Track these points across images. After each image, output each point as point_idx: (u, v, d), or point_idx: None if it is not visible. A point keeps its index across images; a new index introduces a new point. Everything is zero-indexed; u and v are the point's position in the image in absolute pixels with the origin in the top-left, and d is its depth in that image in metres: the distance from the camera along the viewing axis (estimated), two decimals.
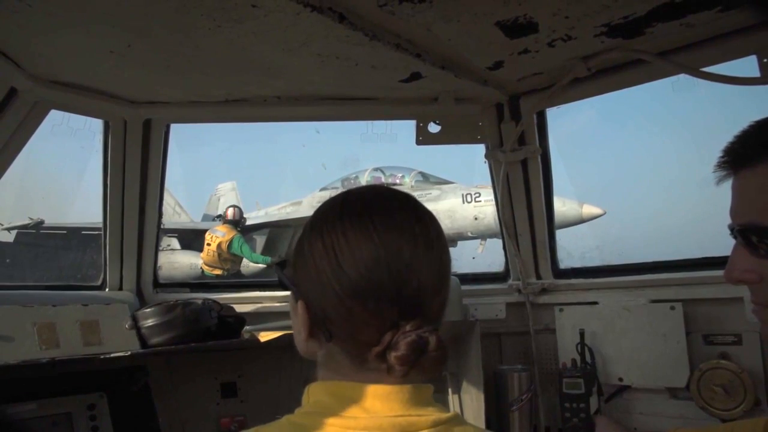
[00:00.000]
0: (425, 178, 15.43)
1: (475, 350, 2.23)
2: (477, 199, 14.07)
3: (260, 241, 17.50)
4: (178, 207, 25.38)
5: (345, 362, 0.92)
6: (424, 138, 2.36)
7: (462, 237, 14.37)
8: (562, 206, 13.30)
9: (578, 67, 1.96)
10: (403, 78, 1.99)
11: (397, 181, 15.41)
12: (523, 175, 2.40)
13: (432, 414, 0.89)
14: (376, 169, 16.04)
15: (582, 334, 2.31)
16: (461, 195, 14.14)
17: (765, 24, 1.76)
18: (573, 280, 2.50)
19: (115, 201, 2.42)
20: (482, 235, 14.25)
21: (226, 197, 26.38)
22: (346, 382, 0.91)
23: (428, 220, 0.97)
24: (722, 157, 1.01)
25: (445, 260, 0.96)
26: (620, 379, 2.31)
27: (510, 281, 2.59)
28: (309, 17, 1.51)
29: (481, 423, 2.18)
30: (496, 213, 2.79)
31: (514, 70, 2.02)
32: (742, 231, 0.99)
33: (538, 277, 2.53)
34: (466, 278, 2.66)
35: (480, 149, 2.47)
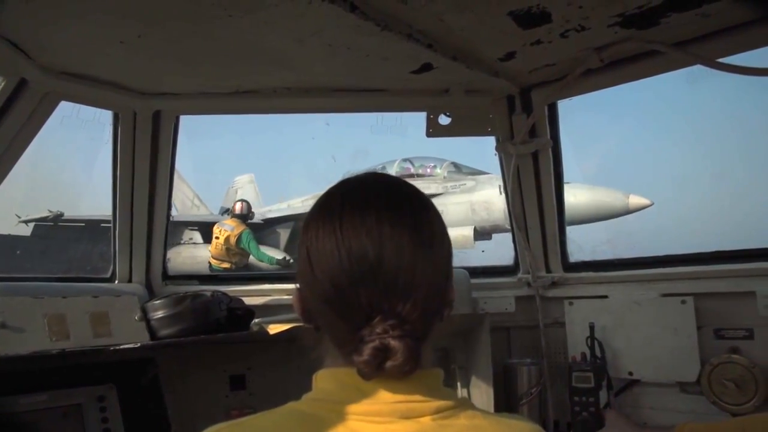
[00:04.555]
0: (458, 169, 14.79)
1: (484, 344, 2.23)
2: None
3: (284, 234, 17.01)
4: (197, 200, 24.71)
5: (336, 352, 0.94)
6: (434, 130, 2.35)
7: (499, 230, 13.77)
8: (606, 197, 12.85)
9: (591, 58, 1.94)
10: (414, 69, 1.98)
11: (429, 171, 14.84)
12: (534, 168, 2.38)
13: (436, 400, 0.89)
14: (405, 160, 15.40)
15: (592, 328, 2.30)
16: (498, 186, 13.17)
17: None
18: (583, 274, 2.49)
19: (125, 193, 2.42)
20: None
21: (244, 190, 25.55)
22: (351, 369, 0.89)
23: (412, 216, 0.93)
24: None
25: (422, 258, 0.90)
26: (630, 373, 2.30)
27: (519, 274, 2.58)
28: (320, 6, 1.50)
29: None
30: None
31: (526, 61, 2.00)
32: None
33: (548, 270, 2.52)
34: (476, 271, 2.65)
35: None
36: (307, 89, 2.22)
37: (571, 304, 2.45)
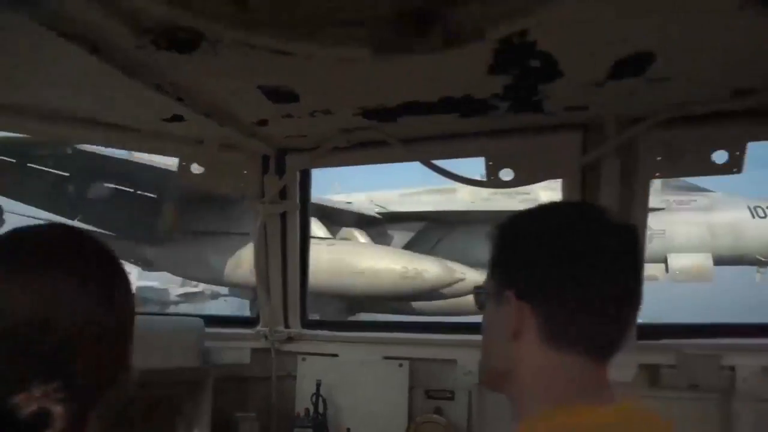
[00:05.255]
0: (665, 181, 11.87)
1: (206, 397, 2.22)
2: None
3: (400, 239, 13.19)
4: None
5: None
6: (185, 178, 2.31)
7: (744, 261, 11.69)
8: None
9: (338, 137, 2.11)
10: (165, 117, 1.95)
11: None
12: (282, 228, 2.47)
13: None
14: None
15: (318, 385, 2.42)
16: (747, 207, 11.46)
17: (493, 132, 2.07)
18: (318, 332, 2.63)
19: None
20: None
21: None
22: None
23: (90, 272, 0.88)
24: None
25: (96, 317, 0.85)
26: (348, 430, 2.46)
27: (259, 327, 2.63)
28: (57, 42, 1.41)
29: None
30: None
31: (280, 128, 2.08)
32: None
33: (287, 325, 2.61)
34: (214, 320, 2.64)
35: None
36: (54, 115, 2.03)
37: (303, 359, 2.57)
